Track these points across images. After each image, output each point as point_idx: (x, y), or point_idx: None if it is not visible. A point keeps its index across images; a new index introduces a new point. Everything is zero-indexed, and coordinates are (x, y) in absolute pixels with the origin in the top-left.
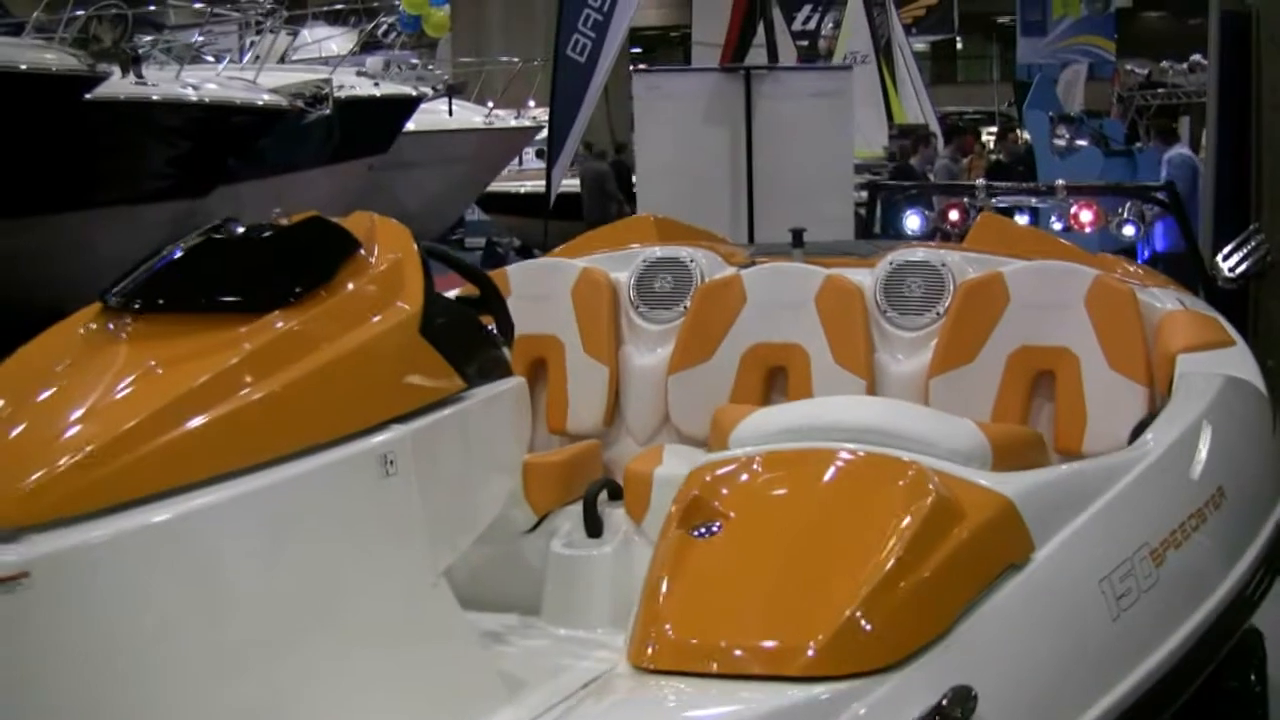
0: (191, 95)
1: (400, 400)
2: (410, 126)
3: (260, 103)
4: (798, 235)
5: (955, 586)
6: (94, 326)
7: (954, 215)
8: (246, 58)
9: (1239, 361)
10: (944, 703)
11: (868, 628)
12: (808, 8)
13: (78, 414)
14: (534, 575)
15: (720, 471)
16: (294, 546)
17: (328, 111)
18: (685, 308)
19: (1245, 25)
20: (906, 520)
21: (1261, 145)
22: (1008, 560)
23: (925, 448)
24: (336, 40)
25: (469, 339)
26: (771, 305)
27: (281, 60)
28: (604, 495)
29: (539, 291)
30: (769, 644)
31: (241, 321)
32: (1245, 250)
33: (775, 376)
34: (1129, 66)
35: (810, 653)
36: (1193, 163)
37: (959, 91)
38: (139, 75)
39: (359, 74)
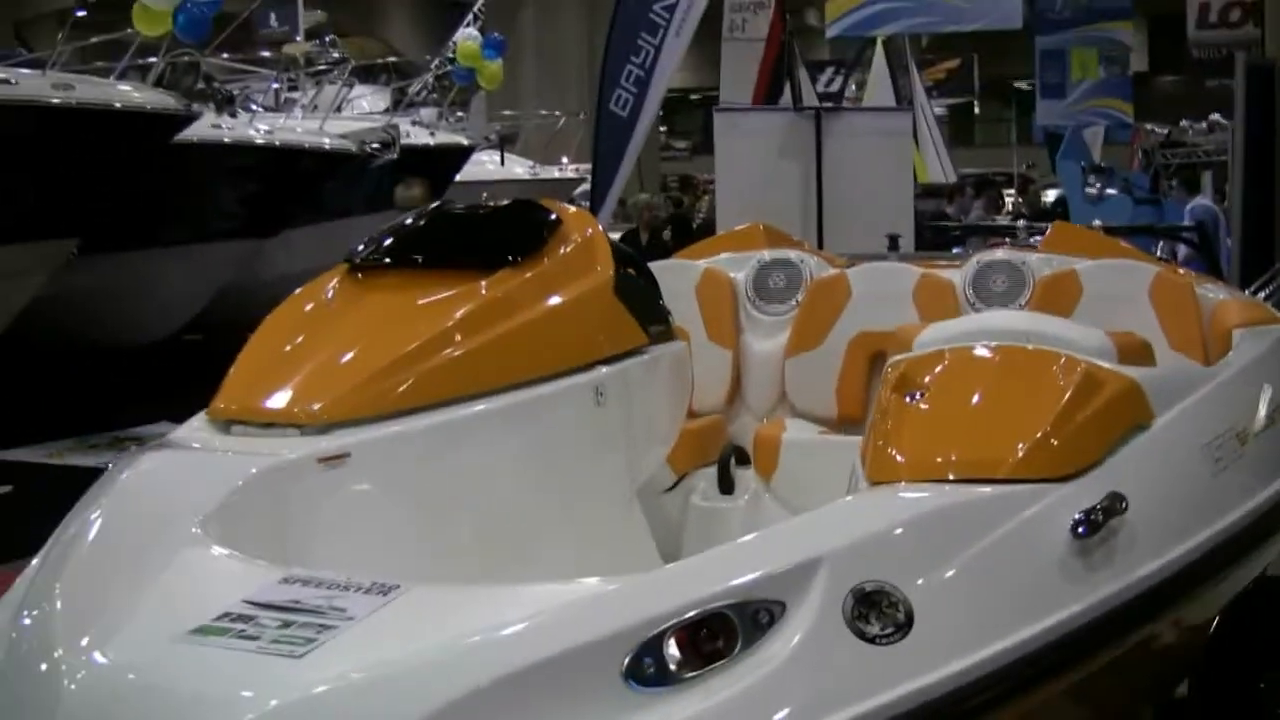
0: (261, 139)
1: (603, 345)
2: (459, 176)
3: (328, 147)
4: (894, 240)
5: (1103, 430)
6: (349, 282)
7: None
8: (298, 109)
9: None
10: (1105, 502)
11: (1048, 450)
12: (830, 70)
13: (364, 343)
14: (674, 527)
15: (917, 360)
16: (531, 452)
17: (395, 156)
18: (797, 302)
19: (1269, 75)
20: (1066, 384)
21: None
22: (1136, 420)
23: (1068, 345)
24: (368, 98)
25: (647, 305)
26: (874, 298)
27: (338, 110)
28: (732, 460)
29: (667, 288)
30: (977, 457)
31: (476, 277)
32: (1271, 288)
33: (878, 360)
34: (1149, 126)
35: (1010, 463)
36: (1214, 211)
37: (977, 154)
38: (233, 115)
39: (414, 124)
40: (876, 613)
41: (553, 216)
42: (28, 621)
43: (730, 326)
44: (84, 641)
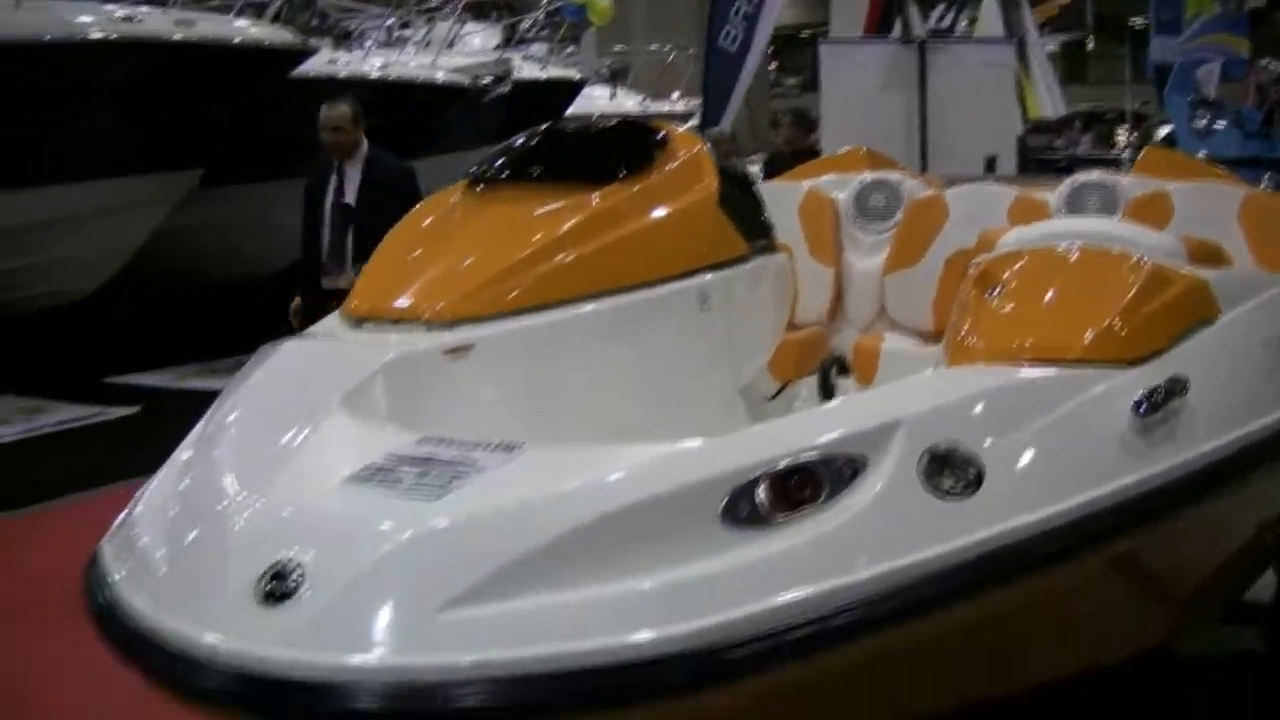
0: (376, 73)
1: (708, 254)
2: (570, 110)
3: (440, 81)
4: (991, 161)
5: (1168, 322)
6: (469, 196)
7: None
8: (411, 46)
9: None
10: (1167, 385)
11: (1115, 338)
12: (942, 5)
13: (484, 249)
14: None
15: (997, 259)
16: (638, 351)
17: (507, 90)
18: (896, 221)
19: None
20: (1135, 280)
21: None
22: (1201, 316)
23: (1139, 247)
24: (480, 35)
25: (751, 218)
26: (970, 218)
27: (450, 47)
28: (834, 370)
29: (771, 208)
30: (1049, 342)
31: (588, 190)
32: None
33: None
34: (1264, 62)
35: (1079, 348)
36: None
37: (1091, 91)
38: (349, 50)
39: (525, 59)
40: (949, 470)
41: (660, 135)
42: (193, 480)
43: (832, 244)
44: (247, 489)
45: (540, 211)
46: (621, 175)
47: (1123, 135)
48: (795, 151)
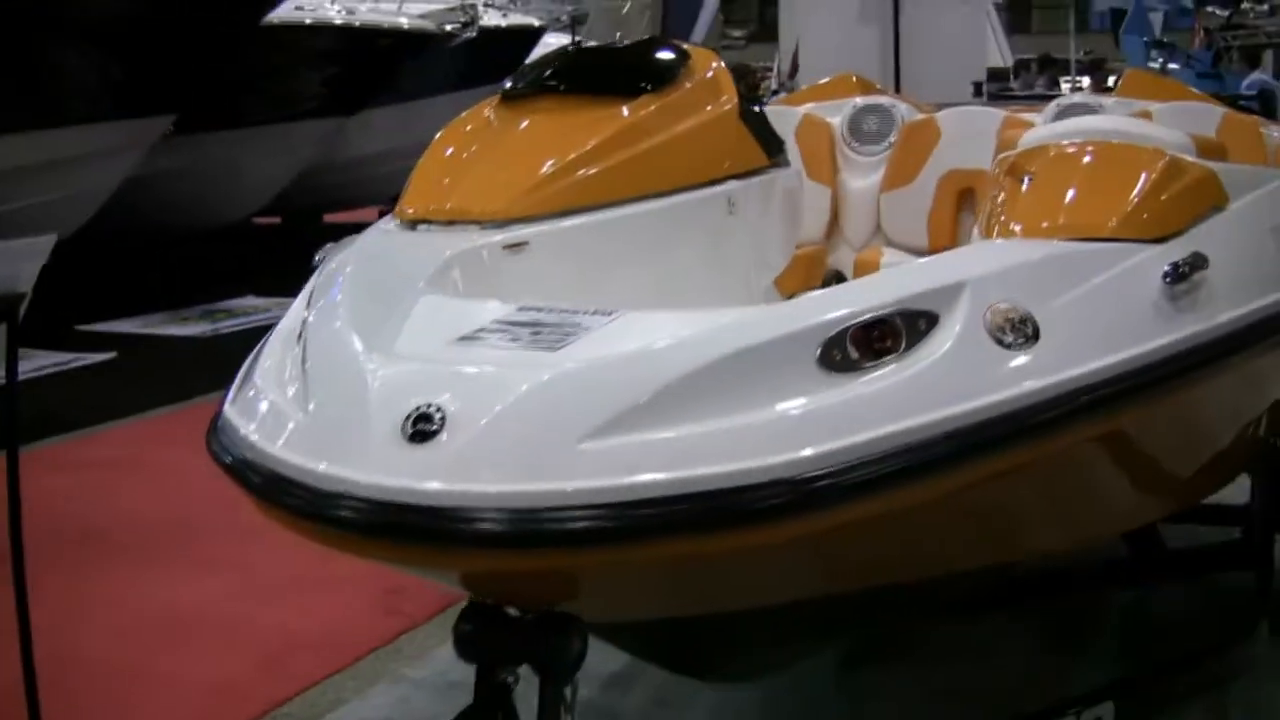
0: (341, 19)
1: (733, 163)
2: (531, 57)
3: (406, 26)
4: (978, 86)
5: (1186, 206)
6: (504, 108)
7: None
8: None
9: None
10: (1190, 259)
11: (1141, 218)
12: None
13: (527, 155)
14: None
15: (1026, 152)
16: (677, 250)
17: (474, 35)
18: (890, 143)
19: None
20: (1154, 170)
21: None
22: (1214, 202)
23: (1155, 141)
24: None
25: (766, 133)
26: (961, 139)
27: None
28: (834, 284)
29: None
30: (1082, 221)
31: (619, 103)
32: None
33: (965, 195)
34: (1209, 8)
35: (1110, 226)
36: (1271, 87)
37: (1035, 41)
38: None
39: (486, 5)
40: (1011, 326)
41: (683, 52)
42: (311, 346)
43: (828, 166)
44: (375, 351)
45: (576, 121)
46: (650, 89)
47: (1067, 83)
48: None
